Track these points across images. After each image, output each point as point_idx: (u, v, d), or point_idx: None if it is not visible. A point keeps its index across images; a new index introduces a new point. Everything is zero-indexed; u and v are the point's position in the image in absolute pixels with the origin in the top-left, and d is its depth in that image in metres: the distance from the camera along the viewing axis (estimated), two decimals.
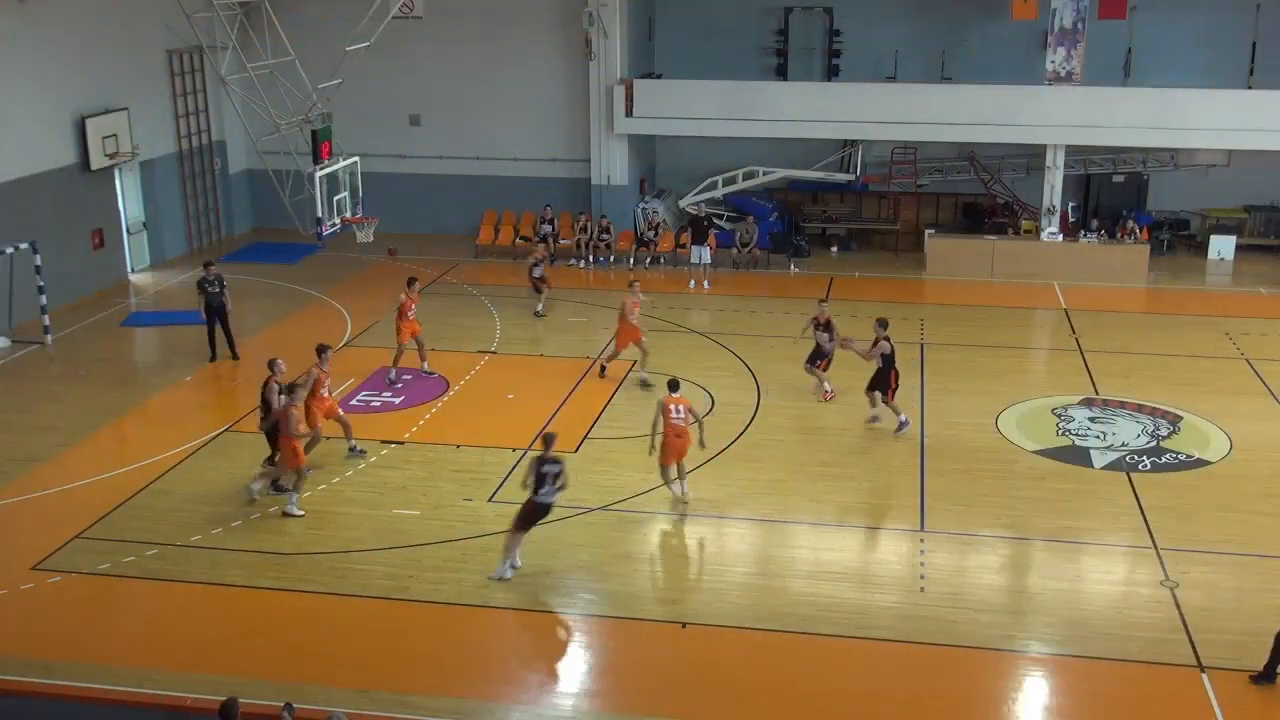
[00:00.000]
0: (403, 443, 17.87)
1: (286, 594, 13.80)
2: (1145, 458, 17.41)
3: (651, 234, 28.42)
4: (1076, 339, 22.99)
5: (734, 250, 27.82)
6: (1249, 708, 11.82)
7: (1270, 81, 27.69)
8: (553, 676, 12.61)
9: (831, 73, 30.77)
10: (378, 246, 26.81)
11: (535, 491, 13.83)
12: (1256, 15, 28.34)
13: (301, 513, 15.60)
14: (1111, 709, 11.90)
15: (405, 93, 30.27)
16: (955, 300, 25.59)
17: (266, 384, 16.21)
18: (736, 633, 13.09)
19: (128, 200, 27.22)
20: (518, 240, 29.32)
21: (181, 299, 25.44)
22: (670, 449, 15.69)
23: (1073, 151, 28.21)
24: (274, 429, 15.99)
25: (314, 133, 21.90)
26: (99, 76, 25.54)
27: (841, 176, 29.14)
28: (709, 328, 23.63)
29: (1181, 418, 18.84)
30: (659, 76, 30.87)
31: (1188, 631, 12.96)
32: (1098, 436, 18.17)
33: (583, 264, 28.06)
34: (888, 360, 17.95)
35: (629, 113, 28.63)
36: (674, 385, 16.11)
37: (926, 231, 29.07)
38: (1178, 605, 13.46)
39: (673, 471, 15.82)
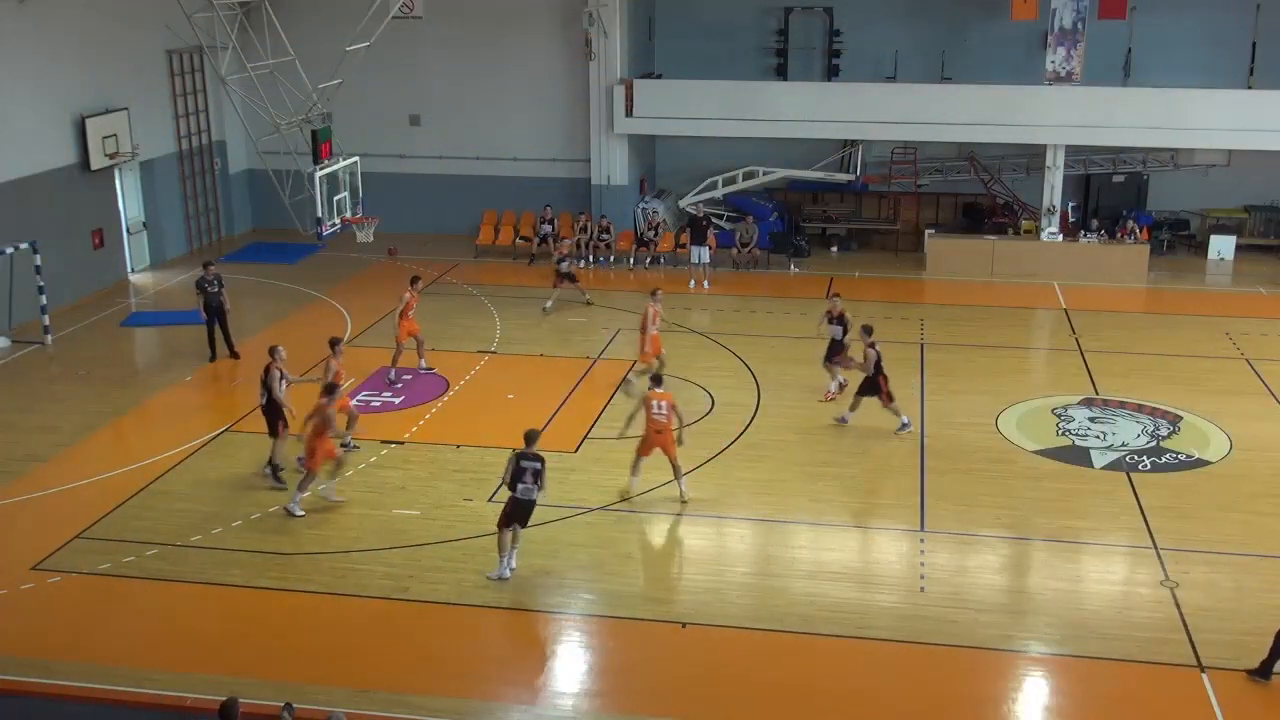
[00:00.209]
0: (403, 443, 17.87)
1: (286, 594, 13.80)
2: (1145, 458, 17.41)
3: (651, 234, 28.42)
4: (1076, 339, 22.99)
5: (734, 250, 27.82)
6: (1249, 708, 11.82)
7: (1270, 81, 27.69)
8: (553, 676, 12.60)
9: (831, 73, 30.77)
10: (378, 246, 26.81)
11: (513, 488, 13.87)
12: (1256, 15, 28.34)
13: (302, 513, 15.61)
14: (1111, 709, 11.90)
15: (405, 93, 30.27)
16: (955, 300, 25.60)
17: (267, 370, 16.54)
18: (736, 633, 13.09)
19: (128, 200, 27.22)
20: (517, 240, 29.32)
21: (181, 299, 25.43)
22: (648, 443, 15.83)
23: (1073, 151, 28.22)
24: (270, 408, 16.46)
25: (314, 133, 21.89)
26: (99, 76, 25.55)
27: (841, 176, 29.14)
28: (709, 328, 23.62)
29: (1181, 418, 18.85)
30: (659, 76, 30.87)
31: (1188, 631, 12.96)
32: (1098, 436, 18.18)
33: (582, 264, 28.03)
34: (876, 366, 17.96)
35: (629, 113, 28.63)
36: (658, 380, 16.24)
37: (926, 231, 29.07)
38: (1178, 605, 13.47)
39: (642, 465, 15.99)
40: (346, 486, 16.54)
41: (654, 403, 15.78)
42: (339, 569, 14.34)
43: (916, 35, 30.07)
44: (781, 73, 30.78)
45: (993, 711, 11.90)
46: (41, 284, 22.43)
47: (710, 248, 26.98)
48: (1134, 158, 29.16)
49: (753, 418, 18.94)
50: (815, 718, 11.76)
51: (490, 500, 16.03)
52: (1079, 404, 19.50)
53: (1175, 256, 28.87)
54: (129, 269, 27.15)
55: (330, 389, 15.90)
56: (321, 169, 21.77)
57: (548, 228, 28.71)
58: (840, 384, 19.48)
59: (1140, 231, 28.08)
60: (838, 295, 20.39)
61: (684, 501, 15.84)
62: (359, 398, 19.55)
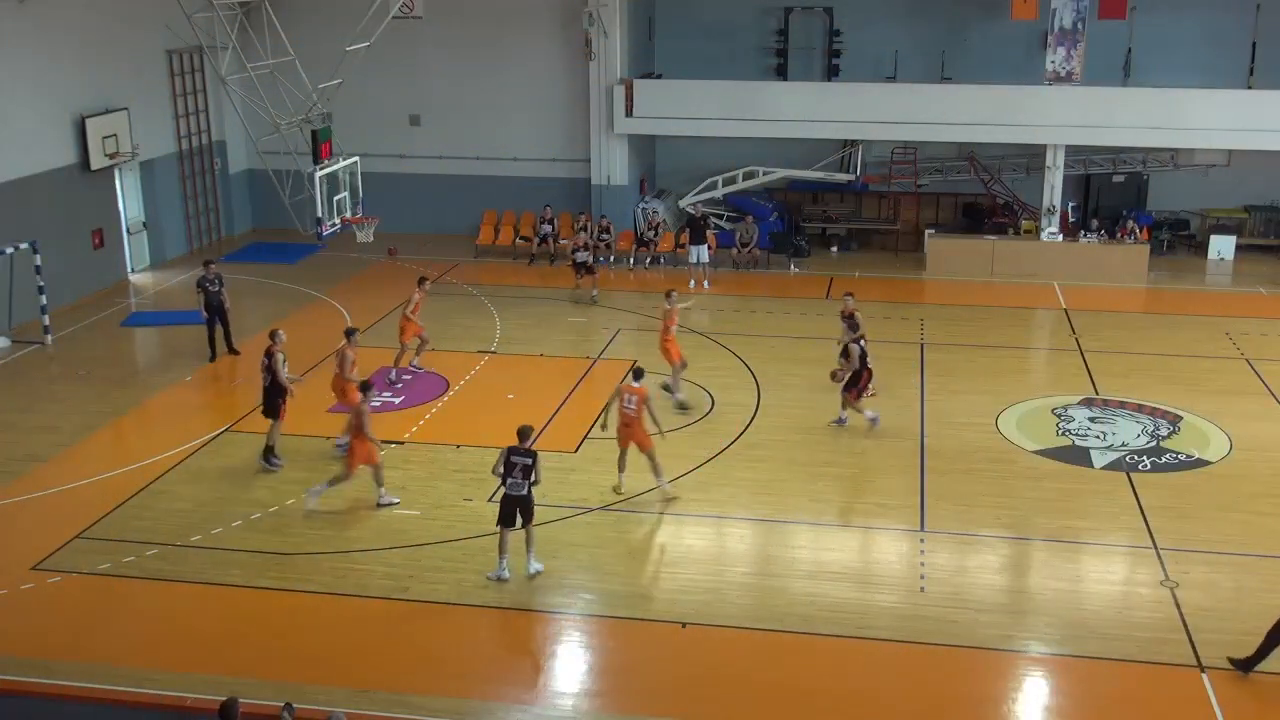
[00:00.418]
0: (403, 443, 17.87)
1: (286, 594, 13.81)
2: (1145, 458, 17.41)
3: (651, 234, 28.42)
4: (1076, 339, 22.99)
5: (734, 250, 27.83)
6: (1249, 708, 11.83)
7: (1270, 81, 27.70)
8: (553, 676, 12.61)
9: (831, 73, 30.77)
10: (378, 246, 26.81)
11: (503, 482, 13.91)
12: (1256, 15, 28.34)
13: (316, 506, 15.67)
14: (1111, 709, 11.90)
15: (405, 93, 30.27)
16: (955, 300, 25.60)
17: (271, 353, 16.86)
18: (736, 633, 13.09)
19: (128, 200, 27.22)
20: (517, 240, 29.32)
21: (181, 299, 25.44)
22: (619, 435, 15.94)
23: (1073, 151, 28.22)
24: (273, 390, 16.87)
25: (314, 133, 21.90)
26: (99, 76, 25.55)
27: (841, 176, 29.15)
28: (709, 328, 23.61)
29: (1181, 418, 18.85)
30: (659, 76, 30.88)
31: (1188, 631, 12.96)
32: (1098, 436, 18.18)
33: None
34: (862, 360, 17.95)
35: (629, 113, 28.63)
36: (638, 374, 16.26)
37: (926, 231, 29.07)
38: (1178, 605, 13.47)
39: (626, 460, 16.07)
40: (347, 486, 16.52)
41: (625, 395, 15.88)
42: (339, 569, 14.35)
43: (916, 35, 30.07)
44: (781, 73, 30.78)
45: (993, 711, 11.90)
46: (41, 284, 22.44)
47: (710, 248, 26.98)
48: (1134, 158, 29.16)
49: (753, 418, 18.94)
50: (815, 718, 11.76)
51: (490, 500, 16.03)
52: (1079, 404, 19.50)
53: (1175, 256, 28.87)
54: (129, 269, 27.15)
55: (365, 387, 15.98)
56: (321, 169, 21.78)
57: (548, 228, 28.71)
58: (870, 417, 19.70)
59: (1140, 231, 28.08)
60: (850, 294, 20.23)
61: (668, 499, 15.81)
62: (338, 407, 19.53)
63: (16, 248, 22.18)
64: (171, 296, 25.93)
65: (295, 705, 10.52)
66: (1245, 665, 12.13)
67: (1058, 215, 27.83)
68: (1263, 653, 12.07)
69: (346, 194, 22.88)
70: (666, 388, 19.25)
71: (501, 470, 13.91)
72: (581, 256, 25.06)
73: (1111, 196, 29.53)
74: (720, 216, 29.93)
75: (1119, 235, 27.78)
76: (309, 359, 20.21)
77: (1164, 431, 18.35)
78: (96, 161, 25.08)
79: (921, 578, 14.14)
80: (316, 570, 14.32)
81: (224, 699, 9.91)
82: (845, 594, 13.81)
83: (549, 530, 14.81)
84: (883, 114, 27.65)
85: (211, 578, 14.17)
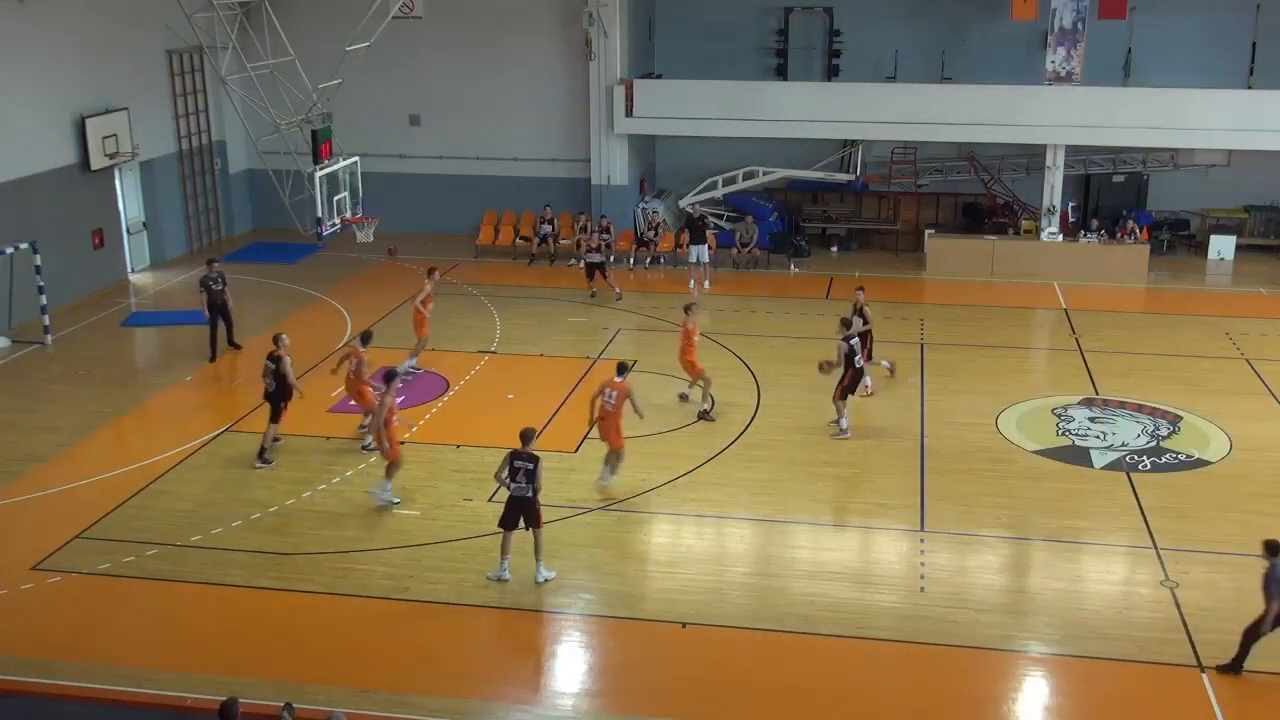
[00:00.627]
0: (403, 443, 17.83)
1: (286, 594, 13.81)
2: (1145, 458, 17.41)
3: (651, 234, 28.42)
4: (1076, 339, 22.99)
5: (734, 250, 27.83)
6: (1249, 708, 11.83)
7: (1270, 81, 27.69)
8: (553, 676, 12.62)
9: (831, 73, 30.77)
10: (378, 246, 26.81)
11: (507, 485, 13.96)
12: (1256, 15, 28.34)
13: (398, 499, 15.81)
14: (1111, 709, 11.91)
15: (405, 93, 30.26)
16: (955, 300, 25.60)
17: (280, 358, 17.16)
18: (736, 633, 13.09)
19: (128, 200, 27.21)
20: (517, 240, 29.32)
21: (181, 299, 25.45)
22: (598, 428, 16.12)
23: (1073, 151, 28.22)
24: (277, 393, 17.09)
25: (314, 133, 21.90)
26: (99, 76, 25.54)
27: (841, 176, 29.15)
28: (709, 328, 23.57)
29: (1181, 418, 18.85)
30: (659, 76, 30.87)
31: (1188, 631, 12.96)
32: (1098, 436, 18.18)
33: (581, 264, 28.00)
34: (848, 360, 17.90)
35: (629, 113, 28.63)
36: (620, 369, 16.42)
37: (926, 231, 29.07)
38: (1178, 605, 13.47)
39: (616, 460, 16.21)
40: (346, 486, 16.56)
41: (606, 391, 16.04)
42: (339, 569, 14.35)
43: (916, 35, 30.07)
44: (781, 73, 30.78)
45: (993, 711, 11.91)
46: (41, 284, 22.43)
47: (710, 248, 26.98)
48: (1134, 158, 29.16)
49: (753, 418, 18.94)
50: (815, 718, 11.76)
51: (490, 500, 16.03)
52: (1079, 404, 19.50)
53: (1175, 256, 28.87)
54: (129, 269, 27.14)
55: (389, 376, 16.04)
56: (321, 169, 21.78)
57: (548, 228, 28.71)
58: (888, 367, 20.10)
59: (1140, 231, 28.07)
60: (861, 288, 20.46)
61: (603, 495, 15.84)
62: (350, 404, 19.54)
63: (16, 248, 22.18)
64: (171, 296, 25.93)
65: (295, 705, 10.53)
66: (1234, 668, 12.13)
67: (1058, 215, 27.83)
68: (1247, 648, 12.12)
69: (346, 194, 22.89)
70: (684, 398, 19.24)
71: (505, 475, 13.91)
72: (595, 258, 25.09)
73: (1111, 196, 29.53)
74: (720, 216, 29.93)
75: (1119, 235, 27.77)
76: (309, 359, 20.21)
77: (1164, 431, 18.35)
78: (96, 161, 25.08)
79: (921, 578, 14.14)
80: (316, 570, 14.32)
81: (224, 699, 9.92)
82: (845, 594, 13.81)
83: (549, 530, 14.75)
84: (883, 114, 27.65)
85: (211, 578, 14.17)
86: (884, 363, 20.26)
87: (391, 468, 15.89)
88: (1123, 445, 17.83)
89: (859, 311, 19.72)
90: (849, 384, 18.00)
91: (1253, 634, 12.10)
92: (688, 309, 19.43)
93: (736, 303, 25.40)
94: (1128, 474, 16.87)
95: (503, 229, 29.74)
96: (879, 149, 29.66)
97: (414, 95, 30.37)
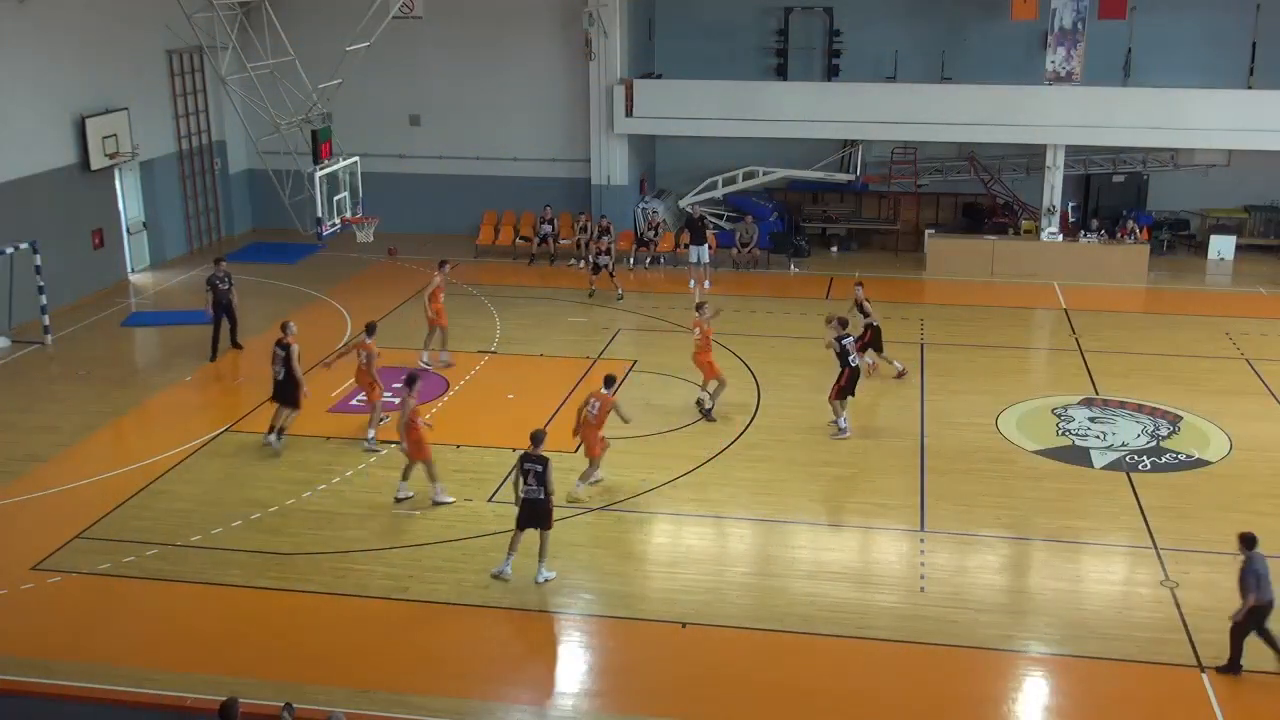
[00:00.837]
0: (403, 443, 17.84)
1: (286, 594, 13.81)
2: (1145, 458, 17.41)
3: (651, 234, 28.42)
4: (1076, 339, 22.99)
5: (734, 250, 27.83)
6: (1249, 708, 11.83)
7: (1270, 81, 27.70)
8: (553, 676, 12.62)
9: (831, 73, 30.77)
10: (378, 246, 26.81)
11: (520, 491, 13.98)
12: (1256, 15, 28.34)
13: (451, 499, 15.86)
14: (1111, 709, 11.91)
15: (405, 93, 30.27)
16: (955, 300, 25.60)
17: (288, 346, 17.47)
18: (736, 633, 13.09)
19: (128, 200, 27.21)
20: (517, 240, 29.33)
21: (181, 299, 25.46)
22: (580, 435, 16.21)
23: (1073, 151, 28.22)
24: (288, 380, 17.39)
25: (314, 133, 21.90)
26: (99, 76, 25.54)
27: (841, 176, 29.15)
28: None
29: (1181, 418, 18.85)
30: (659, 76, 30.87)
31: (1188, 631, 12.96)
32: (1098, 436, 18.18)
33: (582, 264, 28.01)
34: (842, 358, 17.86)
35: (629, 113, 28.63)
36: (608, 382, 16.46)
37: (926, 231, 29.07)
38: (1178, 605, 13.47)
39: (593, 468, 16.26)
40: (346, 486, 16.57)
41: (591, 400, 16.11)
42: (339, 569, 14.35)
43: (916, 35, 30.07)
44: (781, 73, 30.78)
45: (993, 711, 11.91)
46: (41, 284, 22.43)
47: (710, 248, 26.98)
48: (1134, 158, 29.16)
49: (753, 418, 18.94)
50: (815, 718, 11.76)
51: (490, 500, 16.05)
52: (1079, 404, 19.50)
53: (1175, 256, 28.87)
54: (129, 269, 27.15)
55: (411, 379, 16.08)
56: (321, 169, 21.78)
57: (548, 228, 28.71)
58: (898, 367, 20.31)
59: (1140, 231, 28.07)
60: (860, 283, 20.91)
61: (573, 499, 15.81)
62: (359, 397, 19.54)
63: (16, 248, 22.18)
64: (171, 296, 25.93)
65: (295, 705, 10.53)
66: (1232, 668, 12.14)
67: (1058, 215, 27.83)
68: (1238, 647, 12.14)
69: (346, 194, 22.89)
70: (700, 403, 19.17)
71: (518, 477, 13.91)
72: (604, 260, 25.12)
73: (1111, 196, 29.53)
74: (720, 216, 29.93)
75: (1119, 235, 27.77)
76: (309, 359, 20.11)
77: (1164, 431, 18.35)
78: (96, 161, 25.08)
79: (921, 578, 14.14)
80: (316, 570, 14.32)
81: (224, 699, 9.93)
82: (845, 594, 13.81)
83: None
84: (883, 114, 27.66)
85: (211, 578, 14.17)
86: (895, 363, 20.47)
87: (431, 468, 15.93)
88: (1123, 445, 17.83)
89: (859, 306, 19.72)
90: (845, 384, 17.97)
91: (1240, 631, 12.11)
92: (700, 308, 19.31)
93: (736, 303, 25.37)
94: (1128, 474, 16.87)
95: (503, 229, 29.74)
96: (879, 149, 29.66)
97: (414, 95, 30.37)
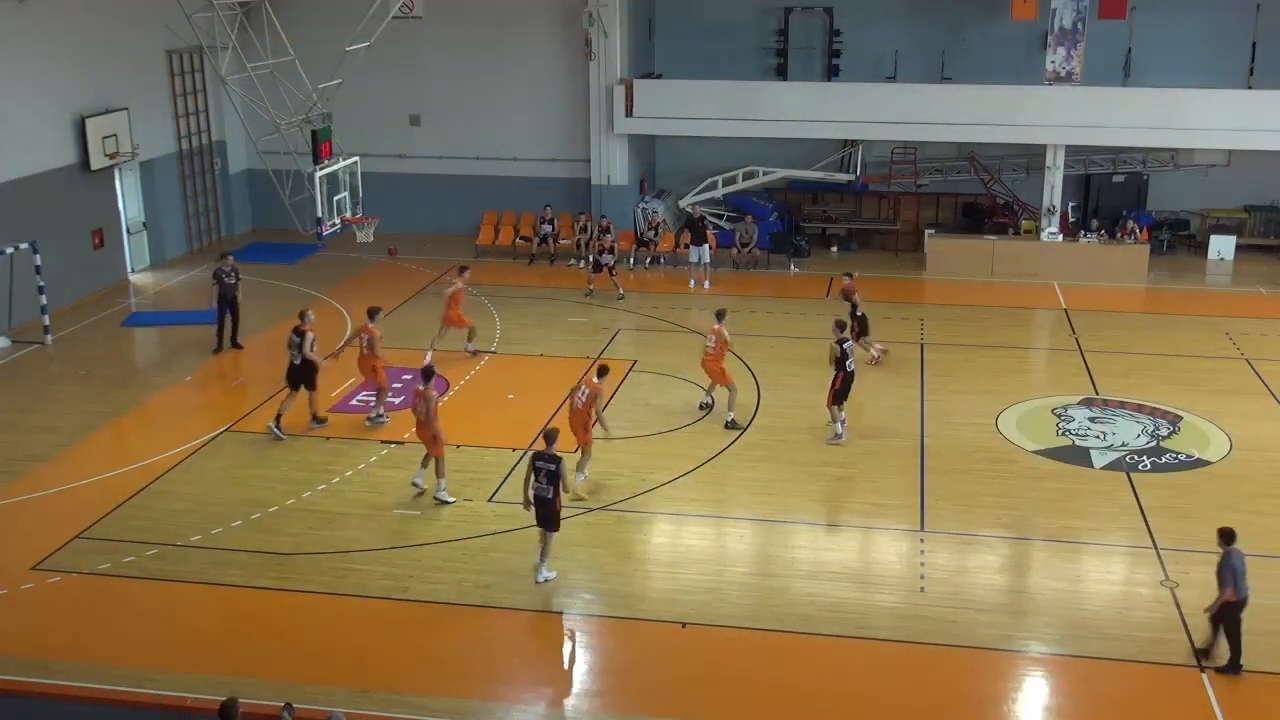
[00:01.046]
0: (403, 443, 17.86)
1: (286, 594, 13.81)
2: (1145, 458, 17.41)
3: (651, 234, 28.42)
4: (1076, 339, 22.99)
5: (734, 250, 27.83)
6: (1249, 708, 11.84)
7: (1270, 81, 27.69)
8: (553, 676, 12.62)
9: (831, 73, 30.77)
10: (378, 246, 26.81)
11: (530, 491, 14.00)
12: (1256, 15, 28.34)
13: (453, 499, 15.88)
14: (1111, 709, 11.91)
15: (405, 93, 30.27)
16: (955, 300, 25.60)
17: (303, 332, 17.87)
18: (736, 633, 13.09)
19: (128, 200, 27.22)
20: (517, 240, 29.33)
21: (181, 299, 25.47)
22: (568, 423, 16.31)
23: (1073, 151, 28.22)
24: (305, 366, 17.83)
25: (314, 133, 21.89)
26: (99, 76, 25.54)
27: (841, 176, 29.15)
28: (709, 328, 23.58)
29: (1181, 418, 18.85)
30: (659, 76, 30.87)
31: (1188, 631, 12.96)
32: (1098, 436, 18.18)
33: (582, 264, 28.00)
34: (838, 363, 17.80)
35: (629, 113, 28.63)
36: (601, 371, 16.64)
37: (926, 231, 29.07)
38: (1178, 605, 13.47)
39: (584, 457, 16.37)
40: (346, 486, 16.57)
41: (580, 389, 16.25)
42: (339, 569, 14.35)
43: (916, 35, 30.07)
44: (781, 73, 30.78)
45: (993, 711, 11.91)
46: (41, 284, 22.44)
47: (711, 248, 26.98)
48: (1134, 158, 29.16)
49: (753, 418, 18.93)
50: (815, 718, 11.76)
51: (490, 500, 16.05)
52: (1079, 404, 19.50)
53: (1175, 256, 28.87)
54: (129, 269, 27.15)
55: (428, 374, 16.18)
56: (321, 169, 21.78)
57: (548, 228, 28.71)
58: (880, 352, 20.40)
59: (1140, 231, 28.07)
60: (849, 274, 21.15)
61: (575, 498, 15.68)
62: (359, 397, 19.57)
63: (16, 248, 22.17)
64: (171, 296, 25.94)
65: (295, 705, 10.54)
66: (1233, 666, 12.17)
67: (1058, 215, 27.83)
68: (1236, 649, 12.20)
69: (346, 194, 22.88)
70: (705, 406, 19.17)
71: (530, 475, 13.93)
72: (607, 259, 25.16)
73: (1111, 196, 29.53)
74: (720, 216, 29.93)
75: (1119, 235, 27.77)
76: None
77: (1164, 431, 18.35)
78: (96, 161, 25.08)
79: (921, 578, 14.14)
80: (316, 570, 14.32)
81: (224, 699, 9.93)
82: (845, 594, 13.82)
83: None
84: (883, 114, 27.65)
85: (211, 578, 14.17)
86: (873, 350, 20.56)
87: (440, 464, 16.00)
88: (1123, 445, 17.83)
89: (847, 297, 19.76)
90: (840, 388, 17.91)
91: (1231, 630, 12.20)
92: (720, 315, 19.15)
93: (736, 303, 25.32)
94: (1128, 474, 16.87)
95: (503, 229, 29.74)
96: (879, 149, 29.66)
97: (414, 95, 30.37)
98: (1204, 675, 12.21)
